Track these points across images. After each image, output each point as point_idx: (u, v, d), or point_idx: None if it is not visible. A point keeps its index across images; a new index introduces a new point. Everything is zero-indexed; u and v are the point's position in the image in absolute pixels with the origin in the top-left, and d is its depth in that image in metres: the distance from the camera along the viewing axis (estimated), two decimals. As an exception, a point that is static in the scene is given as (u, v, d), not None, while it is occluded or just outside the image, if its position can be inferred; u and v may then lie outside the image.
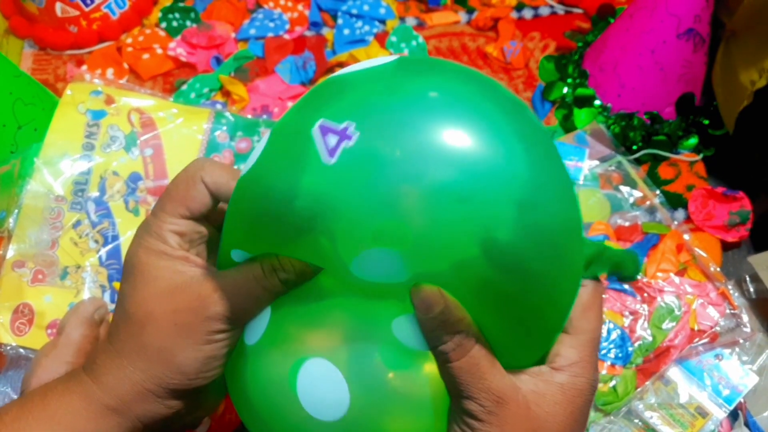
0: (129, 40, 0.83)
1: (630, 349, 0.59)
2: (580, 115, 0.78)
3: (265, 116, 0.72)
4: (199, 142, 0.68)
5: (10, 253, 0.60)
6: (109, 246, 0.63)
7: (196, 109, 0.70)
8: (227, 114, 0.70)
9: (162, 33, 0.84)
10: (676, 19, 0.70)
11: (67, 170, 0.63)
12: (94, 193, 0.64)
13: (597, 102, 0.78)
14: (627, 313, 0.61)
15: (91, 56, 0.82)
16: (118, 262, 0.62)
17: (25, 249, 0.60)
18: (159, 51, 0.83)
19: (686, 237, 0.66)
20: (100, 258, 0.62)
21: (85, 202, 0.63)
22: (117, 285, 0.61)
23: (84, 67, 0.81)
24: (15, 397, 0.56)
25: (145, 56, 0.82)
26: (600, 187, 0.71)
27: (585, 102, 0.79)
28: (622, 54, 0.76)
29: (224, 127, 0.69)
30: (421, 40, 0.85)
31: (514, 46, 0.85)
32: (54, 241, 0.62)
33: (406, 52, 0.83)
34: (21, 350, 0.58)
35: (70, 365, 0.49)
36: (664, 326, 0.60)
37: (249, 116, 0.72)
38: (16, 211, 0.60)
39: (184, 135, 0.67)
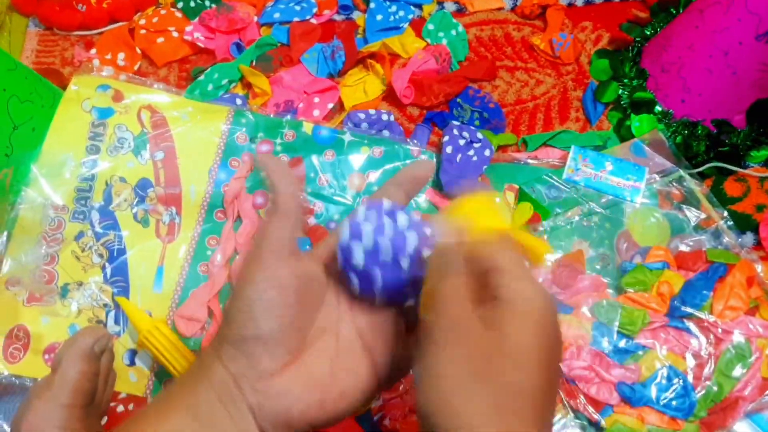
0: (142, 22, 0.76)
1: (693, 399, 0.53)
2: (638, 121, 0.70)
3: (289, 115, 0.65)
4: (216, 144, 0.61)
5: (4, 269, 0.54)
6: (115, 261, 0.57)
7: (214, 107, 0.63)
8: (247, 113, 0.63)
9: (178, 14, 0.77)
10: (757, 18, 0.62)
11: (68, 176, 0.57)
12: (99, 202, 0.58)
13: (657, 107, 0.70)
14: (690, 356, 0.55)
15: (101, 38, 0.76)
16: (124, 279, 0.57)
17: (21, 265, 0.54)
18: (175, 34, 0.76)
19: (758, 268, 0.59)
20: (104, 274, 0.57)
21: (89, 212, 0.57)
22: (120, 300, 0.55)
23: (93, 51, 0.74)
24: (7, 428, 0.51)
25: (160, 40, 0.75)
26: (659, 206, 0.64)
27: (643, 107, 0.71)
28: (689, 54, 0.67)
29: (244, 128, 0.63)
30: (460, 28, 0.78)
31: (564, 39, 0.77)
32: (53, 256, 0.56)
33: (444, 42, 0.76)
34: (14, 379, 0.53)
35: (66, 408, 0.44)
36: (732, 374, 0.54)
37: (271, 114, 0.65)
38: (8, 226, 0.54)
39: (199, 137, 0.61)
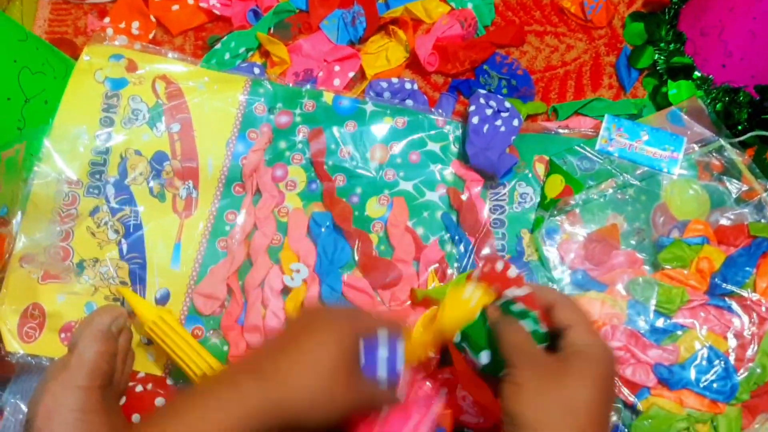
0: (156, -12, 0.73)
1: (735, 381, 0.50)
2: (675, 88, 0.66)
3: (308, 85, 0.63)
4: (233, 115, 0.59)
5: (18, 246, 0.52)
6: (131, 237, 0.55)
7: (231, 76, 0.61)
8: (265, 82, 0.61)
9: (193, -20, 0.74)
10: (807, -24, 0.58)
11: (82, 150, 0.55)
12: (114, 176, 0.56)
13: (696, 73, 0.66)
14: (731, 336, 0.52)
15: (115, 6, 0.73)
16: (140, 255, 0.55)
17: (35, 242, 0.53)
18: (190, 1, 0.73)
19: (804, 244, 0.55)
20: (120, 250, 0.55)
21: (104, 186, 0.56)
22: (122, 290, 0.53)
23: (106, 20, 0.72)
24: (24, 408, 0.50)
25: (175, 8, 0.72)
26: (697, 177, 0.60)
27: (681, 72, 0.67)
28: (731, 17, 0.63)
29: (262, 99, 0.60)
30: (487, -9, 0.74)
31: (596, 1, 0.73)
32: (68, 232, 0.54)
33: (469, 6, 0.72)
34: (30, 359, 0.52)
35: (82, 390, 0.43)
36: (776, 355, 0.51)
37: (290, 84, 0.62)
38: (21, 204, 0.52)
39: (216, 108, 0.58)
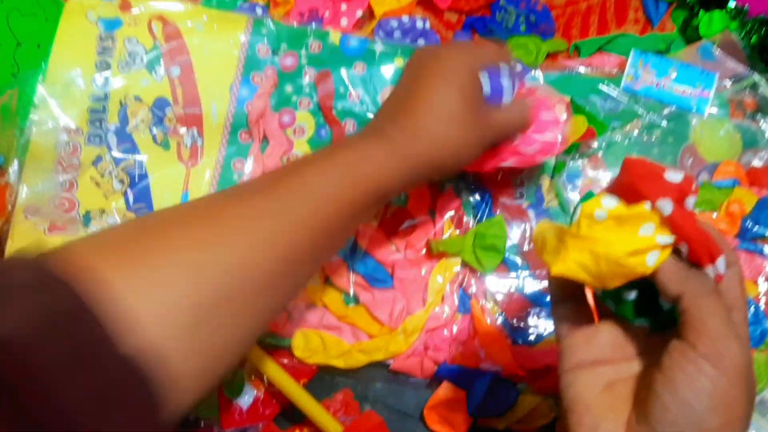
0: (153, -75, 0.69)
1: (765, 327, 0.48)
2: (707, 20, 0.62)
3: (314, 24, 0.59)
4: (236, 58, 0.56)
5: (21, 197, 0.51)
6: (137, 186, 0.53)
7: (231, 15, 0.57)
8: (268, 22, 0.57)
9: None
10: None
11: (79, 96, 0.53)
12: (115, 123, 0.54)
13: (730, 3, 0.62)
14: (762, 281, 0.50)
15: (111, -54, 0.70)
16: (147, 205, 0.53)
17: (38, 193, 0.51)
18: (189, -62, 0.69)
19: (842, 185, 0.52)
20: (126, 200, 0.53)
21: (105, 134, 0.54)
22: None
23: (102, -40, 0.68)
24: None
25: (173, -55, 0.69)
26: (729, 116, 0.57)
27: (713, 3, 0.62)
28: (770, -62, 0.59)
29: (265, 39, 0.57)
30: None
31: (621, -72, 0.68)
32: (71, 182, 0.53)
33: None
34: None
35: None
36: (810, 301, 0.49)
37: (294, 24, 0.59)
38: (18, 153, 0.50)
39: (217, 50, 0.56)
